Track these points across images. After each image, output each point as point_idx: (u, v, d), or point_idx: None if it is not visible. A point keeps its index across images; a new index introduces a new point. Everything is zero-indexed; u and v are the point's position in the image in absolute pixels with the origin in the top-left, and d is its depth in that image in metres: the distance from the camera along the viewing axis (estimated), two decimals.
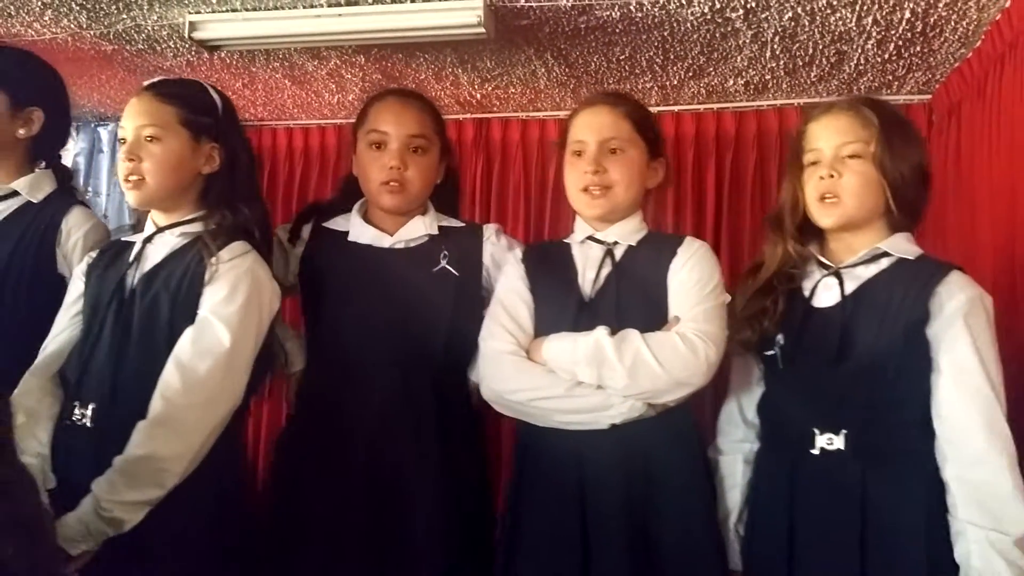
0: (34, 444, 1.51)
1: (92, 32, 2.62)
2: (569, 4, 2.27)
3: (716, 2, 2.23)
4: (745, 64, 2.72)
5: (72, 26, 2.57)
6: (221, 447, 1.51)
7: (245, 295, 1.54)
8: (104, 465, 1.43)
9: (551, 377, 1.55)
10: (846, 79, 2.82)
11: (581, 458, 1.56)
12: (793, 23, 2.35)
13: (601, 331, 1.53)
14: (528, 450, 1.64)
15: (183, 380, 1.46)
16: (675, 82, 2.93)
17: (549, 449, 1.59)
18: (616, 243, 1.69)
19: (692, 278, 1.61)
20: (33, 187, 1.85)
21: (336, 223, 1.84)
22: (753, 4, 2.23)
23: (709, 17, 2.33)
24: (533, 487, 1.61)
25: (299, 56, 2.80)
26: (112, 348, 1.54)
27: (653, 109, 3.20)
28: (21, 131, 1.85)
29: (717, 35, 2.47)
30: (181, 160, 1.59)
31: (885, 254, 1.55)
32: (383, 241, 1.79)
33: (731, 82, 2.92)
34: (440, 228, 1.82)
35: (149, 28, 2.56)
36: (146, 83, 1.65)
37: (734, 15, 2.31)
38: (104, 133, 3.75)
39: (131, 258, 1.62)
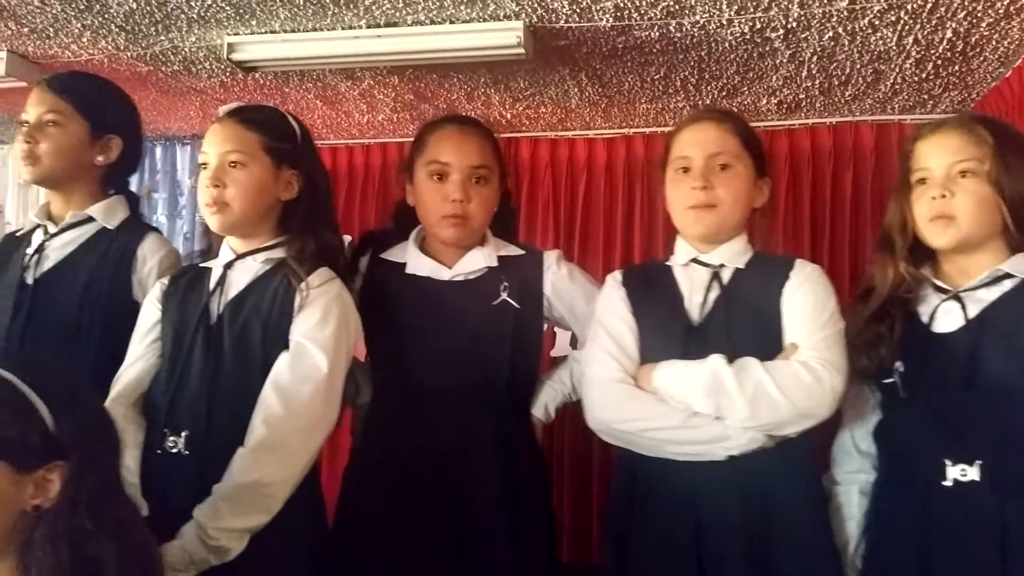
0: (124, 474, 1.49)
1: (129, 54, 2.63)
2: (609, 24, 2.26)
3: (757, 22, 2.23)
4: (780, 83, 2.72)
5: (110, 47, 2.58)
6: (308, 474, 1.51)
7: (336, 321, 1.52)
8: (201, 492, 1.41)
9: (664, 407, 1.50)
10: (881, 98, 2.81)
11: (696, 489, 1.50)
12: (833, 43, 2.35)
13: (718, 360, 1.47)
14: (636, 481, 1.58)
15: (285, 405, 1.44)
16: (708, 101, 2.93)
17: (660, 480, 1.53)
18: (722, 266, 1.61)
19: (808, 303, 1.54)
20: (108, 213, 1.84)
21: (393, 254, 1.81)
22: (794, 24, 2.23)
23: (748, 37, 2.33)
24: (643, 519, 1.55)
25: (332, 77, 2.81)
26: (204, 375, 1.52)
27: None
28: (99, 158, 1.84)
29: (754, 55, 2.47)
30: (264, 186, 1.58)
31: (1007, 275, 1.49)
32: (442, 274, 1.75)
33: (764, 101, 2.91)
34: (499, 259, 1.77)
35: (186, 50, 2.57)
36: (226, 109, 1.65)
37: (774, 35, 2.31)
38: None
39: (212, 284, 1.61)
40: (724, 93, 2.83)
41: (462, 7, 2.22)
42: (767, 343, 1.53)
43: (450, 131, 1.77)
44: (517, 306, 1.73)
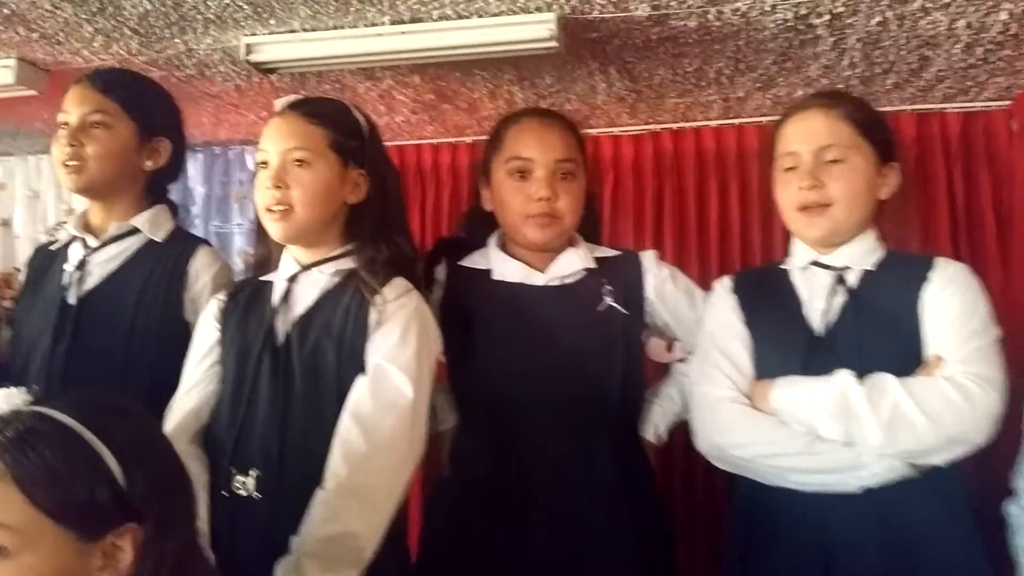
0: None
1: (142, 58, 2.52)
2: (645, 14, 2.16)
3: (802, 7, 2.12)
4: (819, 73, 2.61)
5: (122, 52, 2.48)
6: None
7: (418, 338, 1.37)
8: (276, 539, 1.26)
9: (784, 430, 1.34)
10: (924, 86, 2.70)
11: (826, 524, 1.34)
12: (880, 28, 2.24)
13: (846, 376, 1.32)
14: (756, 512, 1.43)
15: (368, 440, 1.28)
16: (741, 94, 2.82)
17: (785, 512, 1.37)
18: (847, 268, 1.45)
19: (953, 308, 1.37)
20: (154, 224, 1.67)
21: (474, 261, 1.65)
22: (841, 8, 2.12)
23: (791, 24, 2.22)
24: (766, 555, 1.40)
25: (352, 77, 2.70)
26: (273, 405, 1.36)
27: (713, 123, 3.14)
28: (148, 163, 1.68)
29: (795, 43, 2.36)
30: (330, 188, 1.42)
31: None
32: (534, 278, 1.58)
33: (800, 93, 2.79)
34: (596, 260, 1.61)
35: (201, 52, 2.47)
36: (286, 101, 1.48)
37: (818, 21, 2.20)
38: None
39: (276, 301, 1.44)
40: (759, 85, 2.72)
41: (492, 0, 2.12)
42: (905, 356, 1.36)
43: (531, 124, 1.62)
44: (625, 312, 1.56)
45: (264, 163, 1.42)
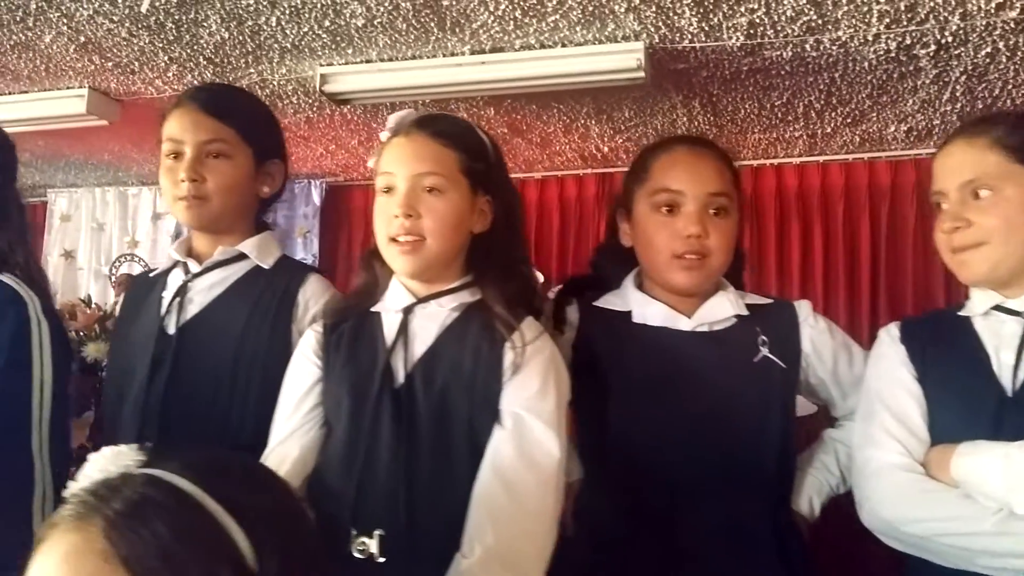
0: None
1: None
2: (738, 44, 2.05)
3: (907, 37, 2.00)
4: (915, 108, 2.47)
5: (195, 82, 2.45)
6: None
7: (556, 388, 1.21)
8: None
9: (970, 505, 1.15)
10: None
11: None
12: (988, 60, 2.10)
13: None
14: None
15: (513, 501, 1.14)
16: (828, 130, 2.69)
17: None
18: None
19: None
20: (262, 250, 1.50)
21: (608, 301, 1.48)
22: (949, 39, 1.99)
23: (893, 55, 2.10)
24: None
25: (425, 110, 2.63)
26: (396, 456, 1.19)
27: (796, 160, 3.01)
28: (264, 189, 1.51)
29: (894, 75, 2.23)
30: (462, 217, 1.27)
31: None
32: (679, 323, 1.41)
33: (892, 128, 2.67)
34: (747, 307, 1.43)
35: (275, 82, 2.43)
36: (404, 118, 1.33)
37: (923, 52, 2.08)
38: None
39: (390, 336, 1.28)
40: (849, 120, 2.59)
41: (578, 28, 2.03)
42: None
43: (681, 153, 1.44)
44: (783, 365, 1.38)
45: (388, 189, 1.27)
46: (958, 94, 2.35)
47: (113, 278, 3.84)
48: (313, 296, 1.43)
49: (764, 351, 1.36)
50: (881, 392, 1.28)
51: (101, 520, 0.65)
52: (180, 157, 1.41)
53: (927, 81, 2.27)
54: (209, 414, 1.36)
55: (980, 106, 2.43)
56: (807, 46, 2.06)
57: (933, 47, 2.05)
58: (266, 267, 1.47)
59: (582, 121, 2.72)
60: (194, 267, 1.45)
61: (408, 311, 1.28)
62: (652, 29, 2.01)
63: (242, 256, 1.47)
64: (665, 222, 1.38)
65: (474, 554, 1.10)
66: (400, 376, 1.23)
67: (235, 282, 1.45)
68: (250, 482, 0.74)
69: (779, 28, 1.97)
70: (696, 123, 2.67)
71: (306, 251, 3.36)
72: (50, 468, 1.32)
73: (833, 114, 2.55)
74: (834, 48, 2.07)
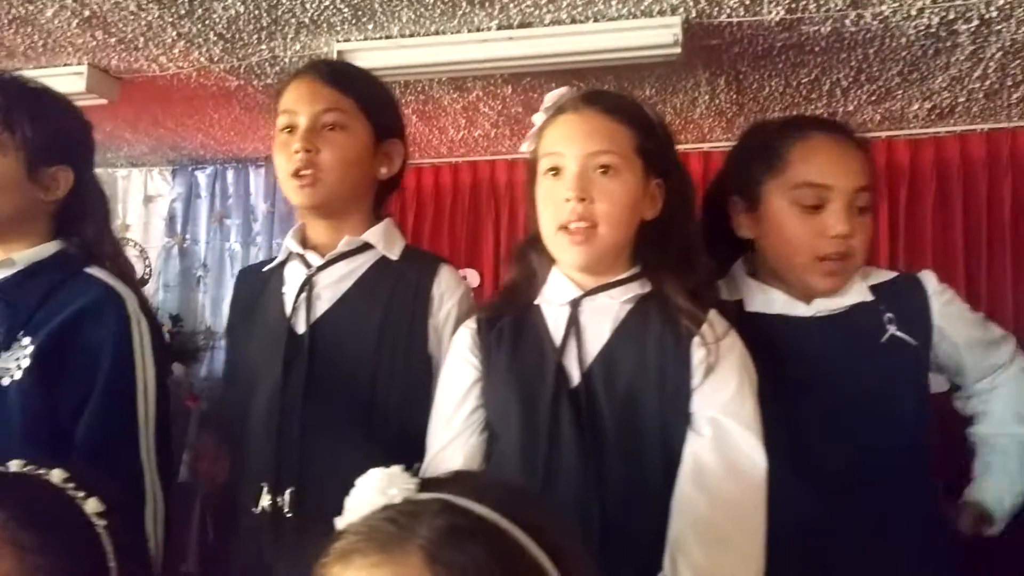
0: None
1: (221, 66, 2.38)
2: (777, 18, 1.99)
3: (952, 11, 1.94)
4: (943, 85, 2.43)
5: (202, 59, 2.33)
6: None
7: (751, 389, 1.11)
8: None
9: None
10: None
11: None
12: None
13: None
14: None
15: (721, 516, 1.04)
16: (851, 108, 2.64)
17: None
18: None
19: None
20: (388, 240, 1.38)
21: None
22: (994, 13, 1.94)
23: (932, 31, 2.05)
24: None
25: (438, 88, 2.55)
26: (581, 465, 1.08)
27: None
28: (382, 170, 1.39)
29: (929, 52, 2.18)
30: (637, 201, 1.17)
31: None
32: (797, 309, 1.31)
33: (915, 107, 2.62)
34: (869, 287, 1.33)
35: (286, 60, 2.32)
36: (570, 94, 1.22)
37: (963, 27, 2.03)
38: (202, 177, 3.52)
39: (556, 332, 1.17)
40: (874, 98, 2.54)
41: (613, 2, 1.96)
42: None
43: (821, 140, 1.29)
44: (913, 343, 1.28)
45: (556, 170, 1.15)
46: (990, 71, 2.30)
47: None
48: (448, 289, 1.33)
49: (892, 329, 1.27)
50: None
51: (418, 549, 0.60)
52: (294, 130, 1.31)
53: (961, 58, 2.22)
54: (349, 417, 1.27)
55: (1008, 83, 2.40)
56: (847, 21, 2.00)
57: (976, 22, 1.99)
58: (393, 258, 1.37)
59: None
60: (314, 259, 1.34)
61: (576, 304, 1.17)
62: (692, 2, 1.93)
63: (366, 246, 1.36)
64: (808, 221, 1.27)
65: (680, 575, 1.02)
66: (575, 376, 1.13)
67: (363, 276, 1.34)
68: (534, 503, 0.69)
69: (822, 2, 1.91)
70: (717, 101, 2.61)
71: None
72: (158, 476, 1.23)
73: (859, 92, 2.49)
74: (875, 23, 2.01)
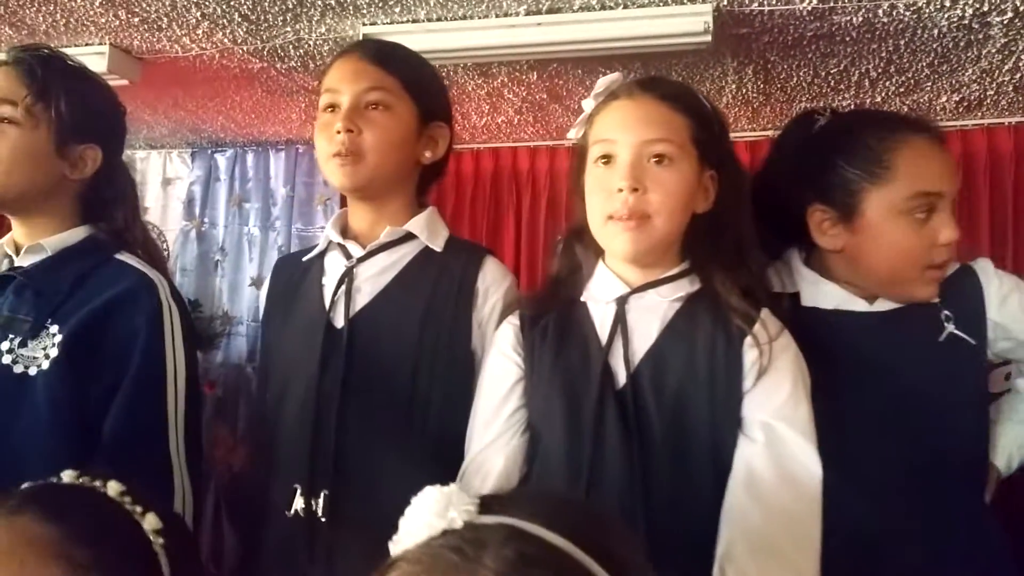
0: None
1: (244, 48, 2.36)
2: (809, 8, 1.96)
3: (985, 3, 1.92)
4: (973, 78, 2.40)
5: (226, 41, 2.32)
6: None
7: (805, 391, 1.08)
8: None
9: None
10: None
11: None
12: None
13: None
14: None
15: (775, 527, 1.01)
16: (878, 100, 2.61)
17: None
18: None
19: None
20: (431, 230, 1.34)
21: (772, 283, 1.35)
22: None
23: (965, 23, 2.02)
24: None
25: (464, 74, 2.53)
26: (628, 470, 1.05)
27: None
28: (427, 154, 1.35)
29: (961, 43, 2.15)
30: (691, 192, 1.13)
31: None
32: (854, 304, 1.27)
33: (943, 99, 2.59)
34: None
35: (311, 42, 2.30)
36: (622, 80, 1.18)
37: (997, 19, 2.00)
38: (222, 160, 3.50)
39: (602, 330, 1.14)
40: (902, 90, 2.51)
41: None
42: None
43: (925, 145, 1.23)
44: (972, 342, 1.24)
45: (607, 159, 1.12)
46: (1021, 64, 2.27)
47: None
48: (493, 283, 1.30)
49: (950, 327, 1.24)
50: None
51: None
52: (336, 110, 1.28)
53: (993, 50, 2.19)
54: (388, 414, 1.23)
55: None
56: (880, 11, 1.98)
57: (1010, 14, 1.96)
58: (437, 249, 1.33)
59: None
60: (355, 250, 1.31)
61: (622, 302, 1.14)
62: None
63: (408, 236, 1.33)
64: (920, 229, 1.21)
65: None
66: (621, 377, 1.10)
67: (405, 267, 1.31)
68: (607, 527, 0.65)
69: None
70: (744, 91, 2.59)
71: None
72: (187, 471, 1.21)
73: (888, 83, 2.47)
74: (907, 13, 1.99)
